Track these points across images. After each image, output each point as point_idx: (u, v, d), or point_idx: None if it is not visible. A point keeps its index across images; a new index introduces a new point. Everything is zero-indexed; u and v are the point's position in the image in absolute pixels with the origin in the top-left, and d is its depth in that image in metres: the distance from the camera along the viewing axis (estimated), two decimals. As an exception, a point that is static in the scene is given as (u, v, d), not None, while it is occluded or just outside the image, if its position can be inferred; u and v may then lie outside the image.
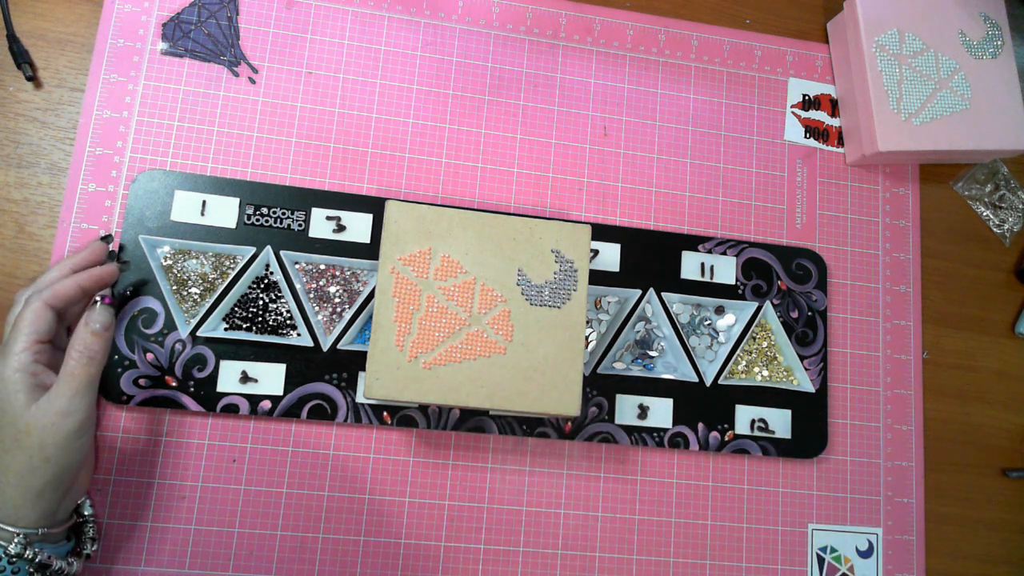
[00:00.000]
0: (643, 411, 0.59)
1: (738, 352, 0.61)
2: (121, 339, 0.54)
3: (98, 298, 0.47)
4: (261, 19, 0.61)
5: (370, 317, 0.57)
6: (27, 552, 0.44)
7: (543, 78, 0.64)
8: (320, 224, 0.57)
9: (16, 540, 0.43)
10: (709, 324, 0.62)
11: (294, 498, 0.55)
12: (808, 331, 0.63)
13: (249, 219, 0.57)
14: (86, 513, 0.50)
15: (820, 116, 0.68)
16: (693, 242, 0.62)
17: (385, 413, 0.56)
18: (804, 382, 0.62)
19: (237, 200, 0.57)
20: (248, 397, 0.55)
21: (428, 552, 0.56)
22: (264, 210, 0.57)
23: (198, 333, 0.55)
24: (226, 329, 0.56)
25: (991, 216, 0.69)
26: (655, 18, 0.67)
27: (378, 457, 0.57)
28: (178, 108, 0.58)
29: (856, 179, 0.67)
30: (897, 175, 0.68)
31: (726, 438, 0.60)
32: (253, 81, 0.60)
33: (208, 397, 0.54)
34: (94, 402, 0.46)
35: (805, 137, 0.67)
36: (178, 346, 0.54)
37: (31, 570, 0.44)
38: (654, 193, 0.64)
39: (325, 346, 0.56)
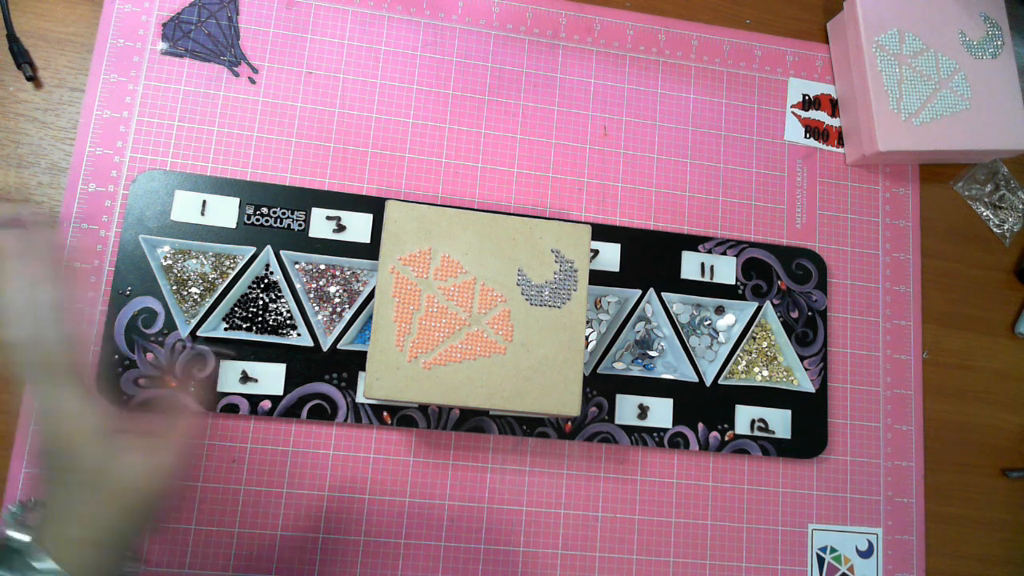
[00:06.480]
0: (643, 411, 0.59)
1: (738, 352, 0.61)
2: (121, 339, 0.54)
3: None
4: (261, 19, 0.61)
5: (370, 317, 0.57)
6: None
7: (543, 78, 0.64)
8: (320, 224, 0.57)
9: None
10: (709, 324, 0.62)
11: (294, 498, 0.55)
12: (808, 331, 0.62)
13: (249, 219, 0.56)
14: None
15: (820, 116, 0.68)
16: (693, 242, 0.62)
17: (385, 413, 0.56)
18: (804, 382, 0.62)
19: (237, 200, 0.57)
20: (248, 397, 0.55)
21: (428, 552, 0.56)
22: (264, 210, 0.57)
23: (198, 333, 0.55)
24: (226, 329, 0.55)
25: (991, 216, 0.69)
26: (655, 18, 0.67)
27: (378, 457, 0.57)
28: (178, 108, 0.58)
29: (856, 179, 0.67)
30: (897, 175, 0.68)
31: (726, 438, 0.60)
32: (253, 81, 0.60)
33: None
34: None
35: (805, 137, 0.67)
36: (178, 346, 0.54)
37: None
38: (654, 193, 0.64)
39: (325, 346, 0.56)
